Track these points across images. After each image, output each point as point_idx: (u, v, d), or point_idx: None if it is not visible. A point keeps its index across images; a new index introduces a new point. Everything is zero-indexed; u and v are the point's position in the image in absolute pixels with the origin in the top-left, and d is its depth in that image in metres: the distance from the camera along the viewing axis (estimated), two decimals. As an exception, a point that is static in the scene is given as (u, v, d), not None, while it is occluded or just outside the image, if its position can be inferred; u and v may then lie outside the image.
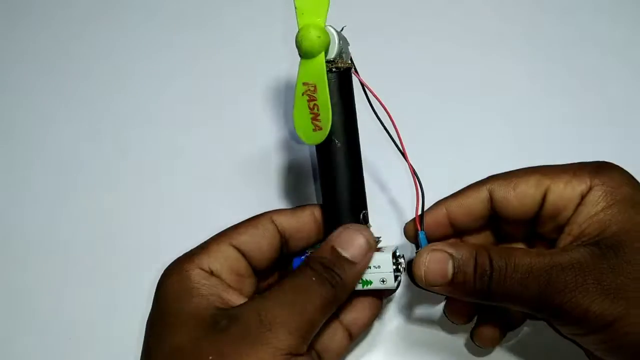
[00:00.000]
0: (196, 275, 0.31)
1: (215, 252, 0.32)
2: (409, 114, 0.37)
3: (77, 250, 0.43)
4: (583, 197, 0.31)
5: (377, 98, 0.33)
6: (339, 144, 0.32)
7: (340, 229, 0.32)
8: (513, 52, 0.46)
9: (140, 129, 0.46)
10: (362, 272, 0.32)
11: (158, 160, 0.45)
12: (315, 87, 0.30)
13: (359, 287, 0.32)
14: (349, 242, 0.31)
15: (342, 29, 0.32)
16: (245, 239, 0.33)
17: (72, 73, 0.48)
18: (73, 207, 0.44)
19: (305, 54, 0.30)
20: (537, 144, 0.43)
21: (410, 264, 0.32)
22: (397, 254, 0.33)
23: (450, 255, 0.30)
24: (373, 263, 0.32)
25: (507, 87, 0.45)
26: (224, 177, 0.44)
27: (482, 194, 0.33)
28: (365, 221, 0.33)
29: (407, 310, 0.40)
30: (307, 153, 0.44)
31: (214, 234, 0.34)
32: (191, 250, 0.33)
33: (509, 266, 0.29)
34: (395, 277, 0.32)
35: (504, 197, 0.33)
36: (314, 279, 0.29)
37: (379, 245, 0.34)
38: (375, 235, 0.34)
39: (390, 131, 0.34)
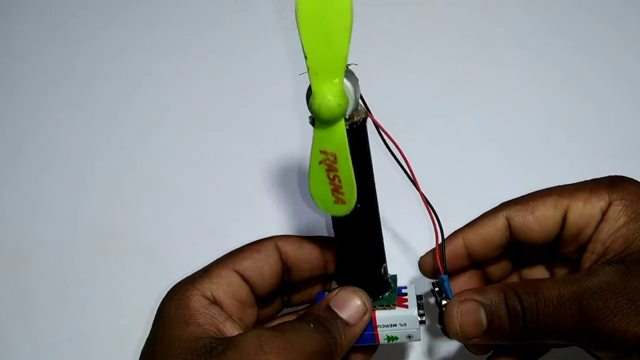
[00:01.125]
0: (196, 302, 0.30)
1: (217, 278, 0.31)
2: (417, 142, 0.36)
3: (81, 251, 0.43)
4: (604, 213, 0.30)
5: (390, 138, 0.31)
6: (358, 206, 0.29)
7: (336, 290, 0.31)
8: (529, 85, 0.45)
9: (156, 146, 0.45)
10: (359, 334, 0.31)
11: (169, 173, 0.45)
12: (335, 156, 0.26)
13: (385, 342, 0.32)
14: (344, 303, 0.30)
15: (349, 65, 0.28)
16: (248, 265, 0.32)
17: (85, 78, 0.47)
18: (80, 211, 0.44)
19: (322, 123, 0.26)
20: (553, 168, 0.43)
21: (440, 316, 0.32)
22: (421, 302, 0.32)
23: (480, 303, 0.30)
24: (399, 321, 0.31)
25: (520, 117, 0.44)
26: (236, 195, 0.44)
27: (500, 221, 0.33)
28: (385, 274, 0.33)
29: (426, 345, 0.40)
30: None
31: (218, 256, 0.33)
32: (193, 275, 0.32)
33: (539, 302, 0.29)
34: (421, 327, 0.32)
35: (522, 222, 0.32)
36: (311, 325, 0.29)
37: (399, 285, 0.34)
38: (400, 285, 0.33)
39: (401, 163, 0.32)
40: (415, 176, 0.32)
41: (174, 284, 0.32)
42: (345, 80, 0.25)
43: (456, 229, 0.34)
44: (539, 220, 0.32)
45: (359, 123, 0.27)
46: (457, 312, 0.30)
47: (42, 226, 0.44)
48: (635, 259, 0.28)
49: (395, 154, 0.33)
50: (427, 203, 0.33)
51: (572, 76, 0.45)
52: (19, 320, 0.42)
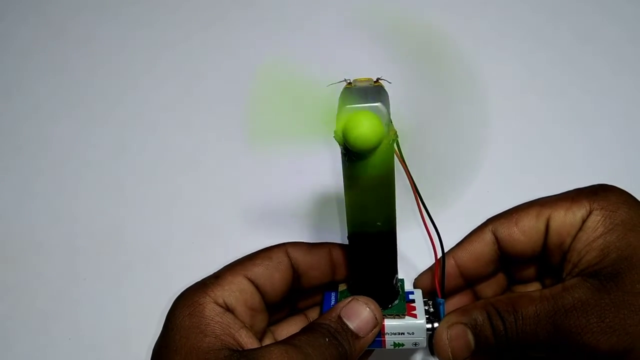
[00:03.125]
0: (210, 310, 0.30)
1: (229, 285, 0.31)
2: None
3: (81, 251, 0.43)
4: (584, 221, 0.31)
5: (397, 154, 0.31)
6: (379, 224, 0.30)
7: (348, 299, 0.32)
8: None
9: (157, 145, 0.45)
10: (366, 346, 0.31)
11: (169, 172, 0.44)
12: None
13: (390, 347, 0.32)
14: (356, 315, 0.31)
15: (380, 79, 0.28)
16: (259, 272, 0.32)
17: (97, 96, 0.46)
18: (80, 211, 0.44)
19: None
20: (554, 169, 0.43)
21: (430, 339, 0.32)
22: (429, 308, 0.33)
23: (467, 325, 0.31)
24: (408, 330, 0.32)
25: (521, 117, 0.45)
26: (243, 202, 0.43)
27: (487, 236, 0.33)
28: (396, 284, 0.33)
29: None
30: (329, 174, 0.43)
31: (227, 263, 0.33)
32: (204, 280, 0.32)
33: (518, 319, 0.30)
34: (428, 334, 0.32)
35: (508, 234, 0.33)
36: (327, 339, 0.29)
37: (407, 290, 0.34)
38: (407, 289, 0.34)
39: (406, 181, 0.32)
40: (420, 194, 0.32)
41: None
42: (380, 105, 0.25)
43: (446, 251, 0.34)
44: (524, 231, 0.32)
45: (388, 145, 0.27)
46: (447, 338, 0.31)
47: (42, 226, 0.43)
48: (609, 273, 0.29)
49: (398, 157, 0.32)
50: (426, 225, 0.33)
51: (573, 75, 0.45)
52: (19, 320, 0.41)
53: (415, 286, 0.36)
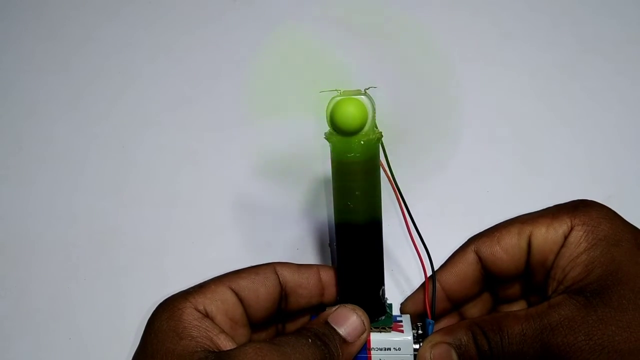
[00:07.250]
0: (188, 315, 0.29)
1: (212, 293, 0.31)
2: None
3: (81, 251, 0.43)
4: (566, 238, 0.31)
5: (384, 170, 0.31)
6: (364, 213, 0.30)
7: (336, 306, 0.31)
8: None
9: (152, 156, 0.45)
10: (355, 354, 0.31)
11: (169, 172, 0.44)
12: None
13: None
14: (343, 320, 0.31)
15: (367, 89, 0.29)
16: (244, 284, 0.32)
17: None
18: (80, 211, 0.44)
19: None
20: (555, 168, 0.43)
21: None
22: (417, 331, 0.33)
23: (451, 345, 0.30)
24: (394, 345, 0.32)
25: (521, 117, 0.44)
26: (237, 196, 0.43)
27: (470, 256, 0.33)
28: (383, 297, 0.33)
29: None
30: (321, 177, 0.43)
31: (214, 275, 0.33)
32: (187, 289, 0.32)
33: (504, 339, 0.29)
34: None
35: (490, 253, 0.33)
36: (309, 340, 0.29)
37: (394, 313, 0.34)
38: (395, 314, 0.34)
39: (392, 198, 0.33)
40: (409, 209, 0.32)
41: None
42: (365, 97, 0.28)
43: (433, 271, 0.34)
44: (506, 250, 0.32)
45: (373, 141, 0.28)
46: (430, 357, 0.31)
47: (42, 225, 0.43)
48: (594, 289, 0.29)
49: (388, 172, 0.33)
50: (415, 245, 0.33)
51: (573, 75, 0.45)
52: (19, 320, 0.42)
53: (402, 312, 0.35)
